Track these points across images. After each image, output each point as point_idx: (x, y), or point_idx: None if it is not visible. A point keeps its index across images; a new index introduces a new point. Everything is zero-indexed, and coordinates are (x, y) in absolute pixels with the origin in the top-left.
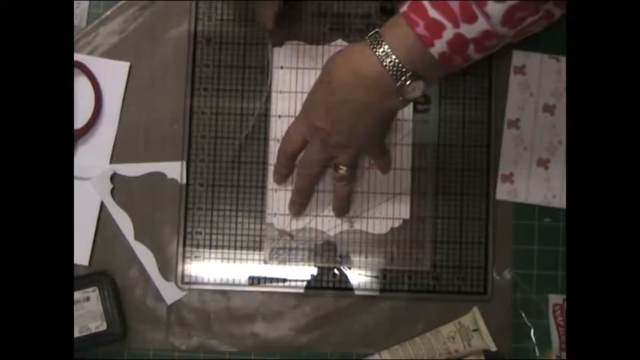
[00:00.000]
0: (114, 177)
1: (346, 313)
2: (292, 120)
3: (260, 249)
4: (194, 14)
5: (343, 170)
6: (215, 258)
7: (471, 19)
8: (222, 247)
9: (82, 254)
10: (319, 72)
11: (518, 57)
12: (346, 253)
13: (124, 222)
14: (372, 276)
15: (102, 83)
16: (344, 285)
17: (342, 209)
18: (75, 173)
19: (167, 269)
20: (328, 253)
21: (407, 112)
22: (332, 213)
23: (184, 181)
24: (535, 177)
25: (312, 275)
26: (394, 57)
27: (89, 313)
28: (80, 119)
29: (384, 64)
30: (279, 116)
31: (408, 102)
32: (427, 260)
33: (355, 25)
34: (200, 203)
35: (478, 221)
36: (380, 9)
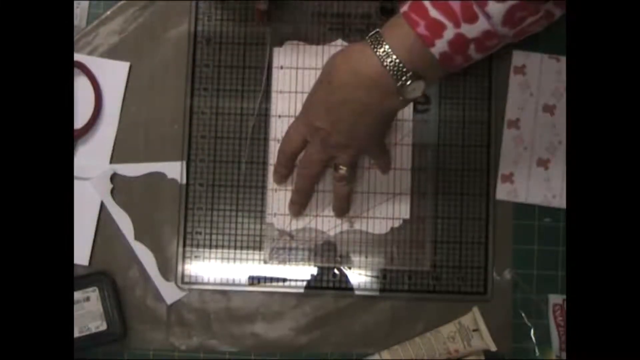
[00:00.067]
0: (114, 177)
1: (346, 313)
2: (292, 120)
3: (260, 249)
4: (194, 14)
5: (343, 170)
6: (215, 258)
7: (472, 19)
8: (222, 247)
9: (82, 254)
10: (319, 72)
11: (518, 57)
12: (346, 253)
13: (124, 222)
14: (372, 276)
15: (102, 83)
16: (344, 285)
17: (342, 209)
18: (75, 173)
19: (167, 269)
20: (328, 253)
21: (407, 112)
22: (332, 213)
23: (184, 181)
24: (535, 177)
25: (312, 275)
26: (394, 57)
27: (89, 313)
28: (80, 119)
29: (385, 64)
30: (279, 116)
31: (408, 102)
32: (427, 260)
33: (355, 25)
34: (200, 203)
35: (478, 221)
36: (381, 9)
